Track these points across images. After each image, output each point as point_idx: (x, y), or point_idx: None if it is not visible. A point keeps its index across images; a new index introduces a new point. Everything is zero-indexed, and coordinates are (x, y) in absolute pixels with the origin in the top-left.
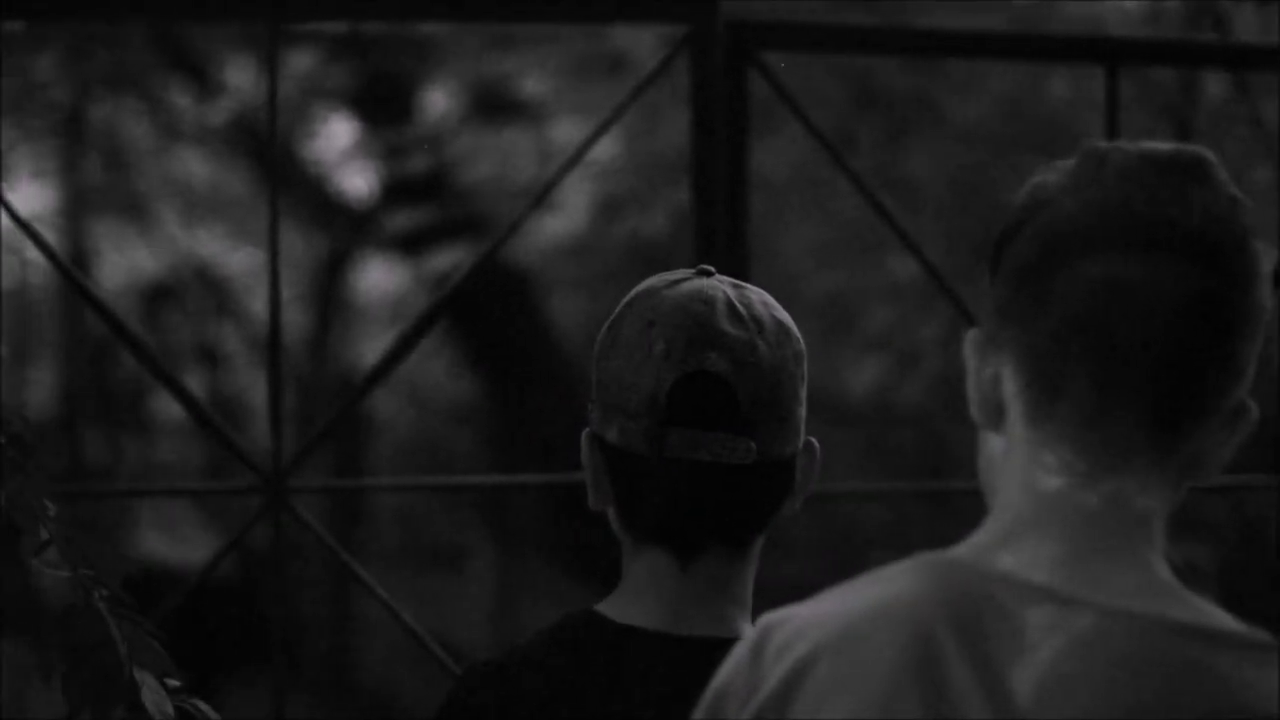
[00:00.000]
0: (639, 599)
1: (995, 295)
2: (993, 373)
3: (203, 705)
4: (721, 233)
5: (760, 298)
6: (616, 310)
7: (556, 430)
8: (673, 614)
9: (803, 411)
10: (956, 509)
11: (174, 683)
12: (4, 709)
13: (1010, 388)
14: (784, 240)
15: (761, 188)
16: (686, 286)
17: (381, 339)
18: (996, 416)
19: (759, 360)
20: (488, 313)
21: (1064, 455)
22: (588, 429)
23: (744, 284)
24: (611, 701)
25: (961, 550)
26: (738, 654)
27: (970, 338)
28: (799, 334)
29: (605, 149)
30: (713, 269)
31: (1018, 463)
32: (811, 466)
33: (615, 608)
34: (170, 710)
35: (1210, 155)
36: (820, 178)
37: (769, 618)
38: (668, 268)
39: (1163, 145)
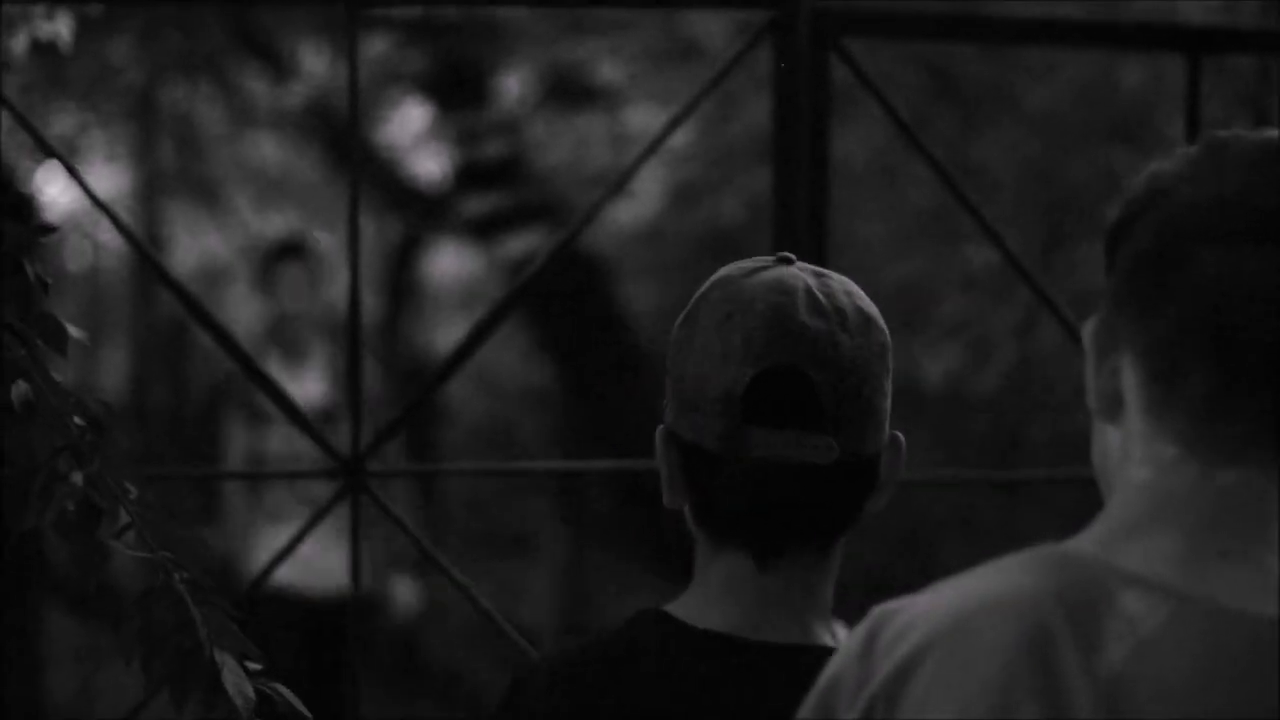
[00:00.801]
0: (715, 602)
1: (1112, 285)
2: (1111, 364)
3: (282, 689)
4: (802, 220)
5: (843, 287)
6: (692, 301)
7: (628, 417)
8: (750, 619)
9: (888, 405)
10: (1028, 498)
11: (254, 665)
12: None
13: (1129, 379)
14: (857, 228)
15: (836, 176)
16: (766, 276)
17: (453, 324)
18: (1114, 408)
19: (841, 353)
20: (560, 299)
21: (1183, 449)
22: (662, 425)
23: (826, 272)
24: (684, 708)
25: (1079, 543)
26: (849, 645)
27: (1088, 327)
28: (884, 324)
29: (679, 135)
30: (793, 256)
31: (1136, 456)
32: (896, 462)
33: (689, 609)
34: (250, 693)
35: None
36: (893, 166)
37: (881, 609)
38: (742, 255)
39: None
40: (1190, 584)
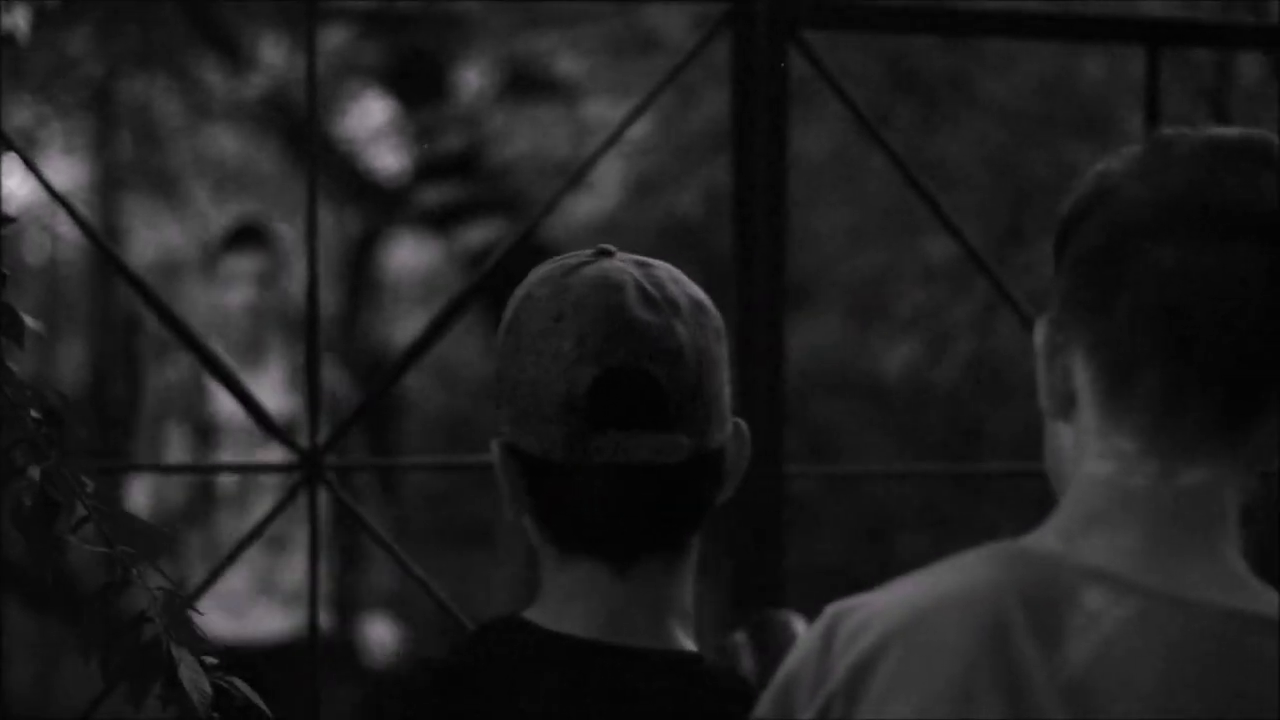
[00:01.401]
0: (571, 607)
1: (1062, 283)
2: (1063, 362)
3: (240, 683)
4: (761, 213)
5: (670, 274)
6: (513, 304)
7: None
8: (609, 623)
9: (728, 393)
10: (988, 490)
11: (211, 660)
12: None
13: (1081, 377)
14: (816, 221)
15: (795, 168)
16: (589, 271)
17: (413, 316)
18: (1066, 406)
19: (680, 346)
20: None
21: (1137, 445)
22: (498, 438)
23: (650, 261)
24: (541, 714)
25: (1035, 539)
26: (806, 643)
27: (1039, 326)
28: (714, 308)
29: (637, 127)
30: (613, 248)
31: (1092, 451)
32: (741, 450)
33: (544, 615)
34: (208, 688)
35: (1278, 140)
36: (852, 159)
37: (837, 607)
38: (702, 246)
39: (1230, 131)
40: (1154, 579)
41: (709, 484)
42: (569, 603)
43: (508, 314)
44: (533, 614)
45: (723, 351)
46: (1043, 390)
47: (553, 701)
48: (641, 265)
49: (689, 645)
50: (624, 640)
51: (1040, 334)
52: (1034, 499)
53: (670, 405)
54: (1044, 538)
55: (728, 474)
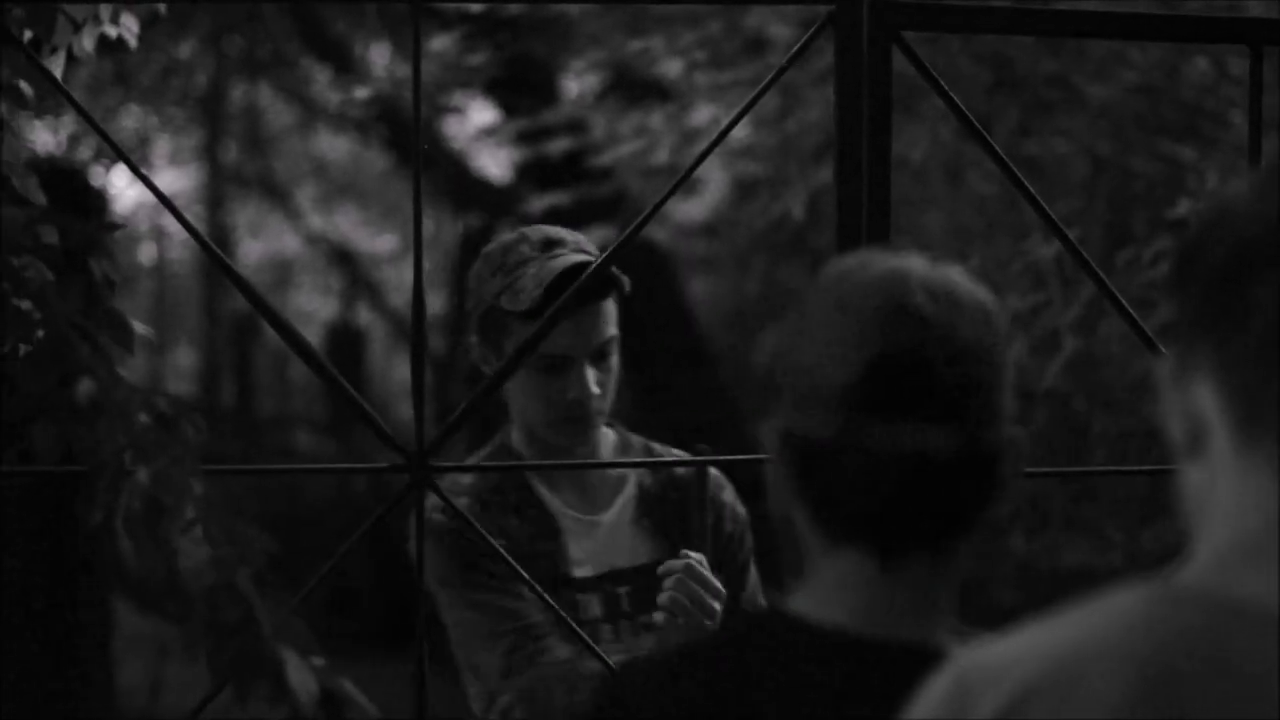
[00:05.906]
0: (836, 599)
1: (1186, 312)
2: (1191, 393)
3: (347, 684)
4: (865, 215)
5: (960, 276)
6: (804, 292)
7: (693, 408)
8: (873, 616)
9: (1008, 400)
10: (1096, 492)
11: (318, 661)
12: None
13: (1212, 409)
14: (918, 223)
15: (898, 170)
16: (879, 266)
17: None
18: (1197, 440)
19: (960, 340)
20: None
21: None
22: (772, 420)
23: (940, 260)
24: (800, 705)
25: (1189, 578)
26: (934, 695)
27: (1160, 365)
28: (1001, 318)
29: (740, 130)
30: (903, 249)
31: (1232, 485)
32: (1018, 460)
33: (808, 606)
34: (314, 688)
35: None
36: (953, 161)
37: (963, 656)
38: (804, 249)
39: None
40: None
41: (979, 488)
42: (834, 595)
43: (799, 300)
44: (796, 604)
45: (1007, 356)
46: (1171, 431)
47: (811, 692)
48: (932, 264)
49: (953, 646)
50: (887, 635)
51: (1162, 373)
52: (1137, 500)
53: (944, 397)
54: (1198, 574)
55: (1003, 483)
